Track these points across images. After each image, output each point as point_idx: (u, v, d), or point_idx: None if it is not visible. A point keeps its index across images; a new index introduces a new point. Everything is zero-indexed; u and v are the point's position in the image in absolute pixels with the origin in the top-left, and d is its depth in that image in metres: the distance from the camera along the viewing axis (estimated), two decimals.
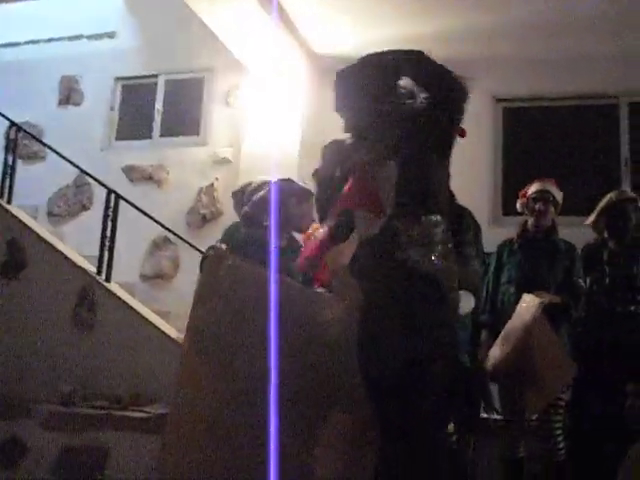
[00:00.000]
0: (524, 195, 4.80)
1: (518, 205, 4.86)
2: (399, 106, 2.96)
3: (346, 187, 3.01)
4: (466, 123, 7.32)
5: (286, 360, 3.02)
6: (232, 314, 3.05)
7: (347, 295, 3.11)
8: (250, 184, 4.46)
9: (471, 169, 6.26)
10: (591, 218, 4.87)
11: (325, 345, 3.06)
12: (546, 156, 7.12)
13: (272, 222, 3.70)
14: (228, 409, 3.10)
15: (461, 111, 3.15)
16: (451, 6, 6.43)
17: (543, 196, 4.68)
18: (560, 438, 4.27)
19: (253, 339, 2.95)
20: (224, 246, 3.92)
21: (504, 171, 7.18)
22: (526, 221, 4.76)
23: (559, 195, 4.75)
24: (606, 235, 4.80)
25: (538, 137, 7.24)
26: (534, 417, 4.25)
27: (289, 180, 4.32)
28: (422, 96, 2.93)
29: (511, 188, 6.51)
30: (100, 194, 7.08)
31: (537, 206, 4.67)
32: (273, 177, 4.29)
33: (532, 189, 4.74)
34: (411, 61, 3.04)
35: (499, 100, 7.32)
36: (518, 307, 4.16)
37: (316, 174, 3.42)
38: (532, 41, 6.81)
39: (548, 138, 7.19)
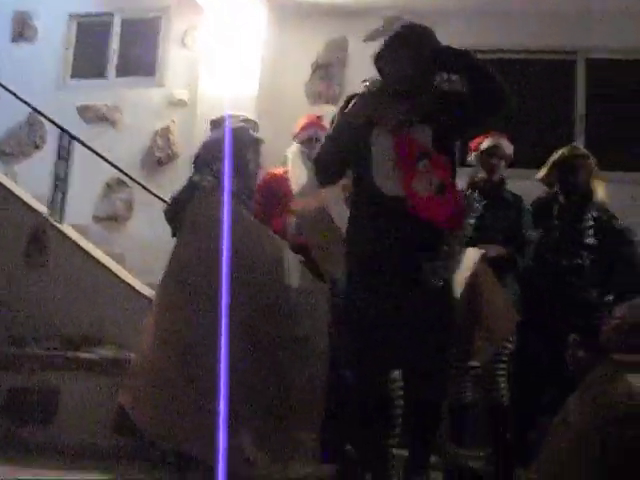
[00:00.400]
0: (476, 148, 4.81)
1: (472, 157, 4.88)
2: (442, 82, 3.25)
3: None
4: None
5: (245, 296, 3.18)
6: (211, 250, 3.15)
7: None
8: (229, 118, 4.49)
9: None
10: (542, 172, 4.92)
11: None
12: None
13: (226, 167, 3.73)
14: (198, 339, 3.24)
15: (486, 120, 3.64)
16: None
17: (497, 151, 4.72)
18: (503, 385, 4.39)
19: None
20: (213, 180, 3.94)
21: None
22: (475, 174, 4.81)
23: (510, 149, 4.80)
24: (557, 189, 4.88)
25: None
26: (478, 364, 4.35)
27: (242, 127, 4.33)
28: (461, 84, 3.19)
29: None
30: (53, 134, 6.97)
31: (492, 161, 4.72)
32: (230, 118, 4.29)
33: (485, 143, 4.75)
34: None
35: None
36: (464, 260, 4.23)
37: (342, 116, 3.49)
38: None
39: None
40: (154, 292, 5.87)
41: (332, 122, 3.62)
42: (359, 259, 3.36)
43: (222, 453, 2.75)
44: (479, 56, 6.87)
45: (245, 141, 4.22)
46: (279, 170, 4.64)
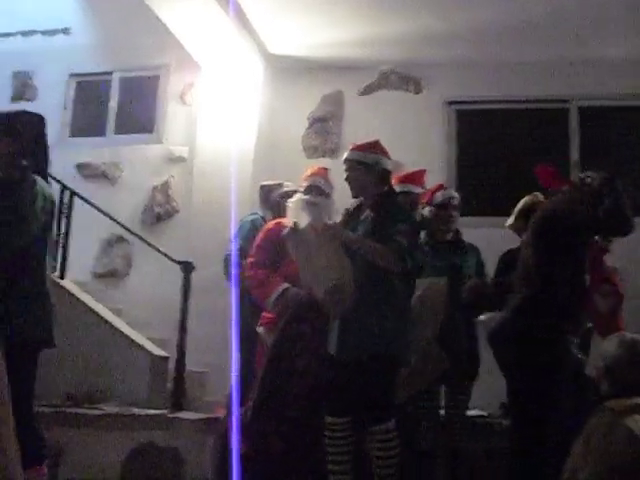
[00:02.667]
0: (429, 201, 5.00)
1: (426, 212, 5.05)
2: None
3: None
4: (420, 125, 7.47)
5: None
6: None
7: None
8: (280, 185, 5.05)
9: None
10: (510, 220, 5.06)
11: None
12: (498, 158, 7.27)
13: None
14: None
15: None
16: (405, 9, 6.52)
17: (450, 202, 4.91)
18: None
19: None
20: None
21: (457, 172, 7.30)
22: (432, 227, 4.95)
23: (458, 200, 5.01)
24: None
25: (491, 139, 7.38)
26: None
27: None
28: None
29: (464, 188, 6.64)
30: (53, 190, 7.01)
31: (447, 213, 4.89)
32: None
33: (437, 198, 4.94)
34: None
35: (451, 103, 7.44)
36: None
37: None
38: (485, 45, 6.95)
39: (500, 140, 7.33)
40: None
41: None
42: None
43: None
44: (473, 107, 7.08)
45: None
46: (281, 219, 4.71)
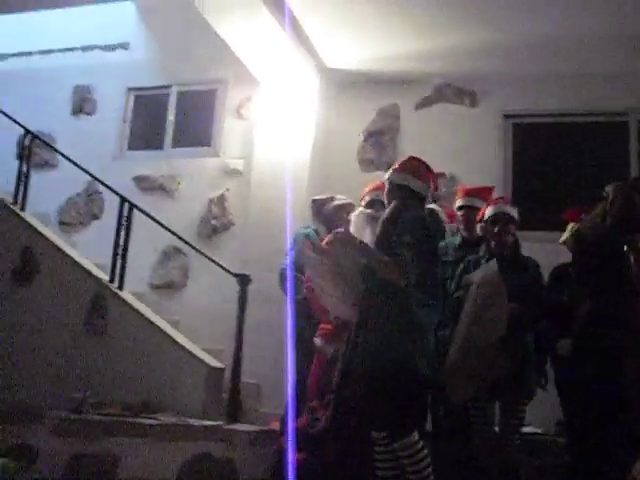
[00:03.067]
0: (480, 220, 4.96)
1: (478, 229, 5.02)
2: None
3: None
4: (477, 138, 7.44)
5: None
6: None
7: None
8: (332, 199, 5.09)
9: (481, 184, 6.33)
10: (564, 236, 5.03)
11: None
12: (555, 172, 7.18)
13: None
14: None
15: None
16: (462, 23, 6.49)
17: (499, 217, 4.79)
18: None
19: None
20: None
21: (514, 186, 7.22)
22: (488, 243, 4.85)
23: (514, 212, 4.87)
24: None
25: (548, 153, 7.29)
26: None
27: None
28: None
29: (521, 203, 6.56)
30: (111, 203, 7.16)
31: (496, 228, 4.77)
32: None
33: (488, 212, 4.85)
34: None
35: (508, 116, 7.37)
36: None
37: None
38: (542, 58, 6.88)
39: (557, 154, 7.24)
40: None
41: None
42: None
43: None
44: (529, 120, 7.00)
45: None
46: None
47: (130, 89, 8.56)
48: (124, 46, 8.60)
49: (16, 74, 8.79)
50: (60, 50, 8.80)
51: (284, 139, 7.18)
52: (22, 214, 6.81)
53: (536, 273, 4.79)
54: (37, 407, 5.60)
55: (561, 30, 6.43)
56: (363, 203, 4.71)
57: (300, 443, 4.22)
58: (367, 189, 4.76)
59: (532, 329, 4.65)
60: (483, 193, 5.08)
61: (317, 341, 4.49)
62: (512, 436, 4.63)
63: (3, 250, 6.68)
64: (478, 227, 5.03)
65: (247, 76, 7.38)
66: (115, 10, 8.30)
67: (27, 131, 7.23)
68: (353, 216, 4.41)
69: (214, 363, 5.99)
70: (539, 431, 5.58)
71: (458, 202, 5.15)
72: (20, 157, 7.22)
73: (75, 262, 6.44)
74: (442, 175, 6.59)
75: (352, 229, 4.30)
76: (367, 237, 4.09)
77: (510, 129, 7.40)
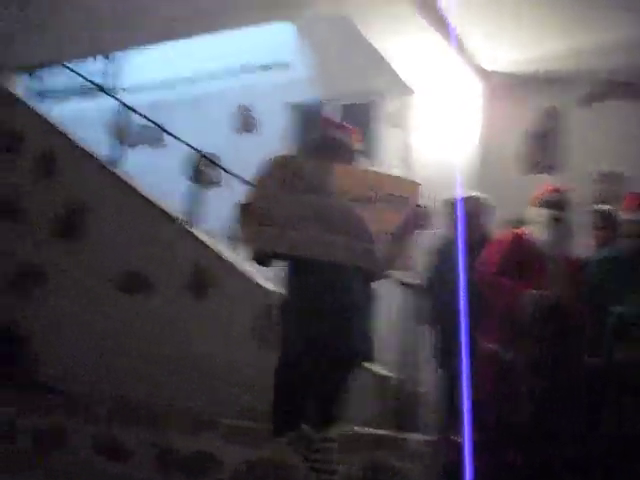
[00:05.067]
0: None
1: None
2: None
3: None
4: None
5: None
6: None
7: None
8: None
9: None
10: None
11: None
12: None
13: None
14: None
15: None
16: (605, 19, 6.23)
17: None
18: None
19: None
20: None
21: None
22: None
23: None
24: None
25: None
26: None
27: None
28: None
29: None
30: None
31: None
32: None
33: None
34: None
35: None
36: None
37: None
38: None
39: None
40: None
41: None
42: None
43: None
44: None
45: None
46: (519, 231, 4.67)
47: (291, 105, 8.77)
48: (284, 65, 8.82)
49: (179, 98, 9.23)
50: (222, 72, 9.15)
51: (443, 146, 7.14)
52: (194, 231, 7.13)
53: None
54: (209, 415, 5.81)
55: None
56: (537, 203, 4.59)
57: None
58: (544, 190, 4.62)
59: None
60: None
61: (491, 346, 4.37)
62: None
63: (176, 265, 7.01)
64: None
65: (403, 86, 7.40)
66: (274, 30, 8.53)
67: (199, 152, 7.56)
68: (537, 216, 4.48)
69: (382, 372, 6.01)
70: None
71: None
72: (194, 178, 7.54)
73: (245, 275, 6.66)
74: None
75: (533, 229, 4.46)
76: (545, 237, 4.25)
77: None
